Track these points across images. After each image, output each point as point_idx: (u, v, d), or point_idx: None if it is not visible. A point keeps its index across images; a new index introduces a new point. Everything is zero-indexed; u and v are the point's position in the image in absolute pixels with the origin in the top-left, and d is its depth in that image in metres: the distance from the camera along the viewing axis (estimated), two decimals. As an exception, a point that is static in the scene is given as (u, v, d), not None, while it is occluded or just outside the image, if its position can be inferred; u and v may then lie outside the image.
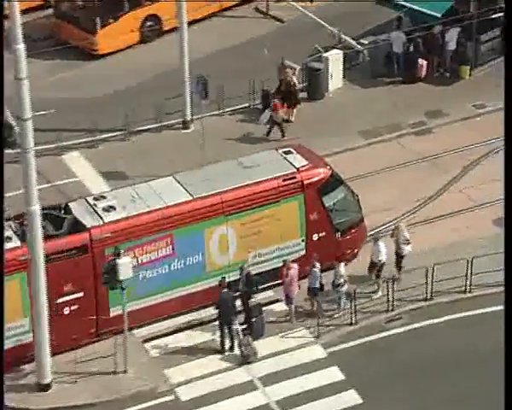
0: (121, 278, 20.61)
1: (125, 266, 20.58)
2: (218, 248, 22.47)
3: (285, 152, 23.80)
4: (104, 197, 22.28)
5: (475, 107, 30.12)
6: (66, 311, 21.31)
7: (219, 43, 33.24)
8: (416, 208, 26.12)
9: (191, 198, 22.31)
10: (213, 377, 21.50)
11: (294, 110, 29.53)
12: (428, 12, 30.94)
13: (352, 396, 21.04)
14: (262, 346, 21.96)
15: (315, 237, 23.30)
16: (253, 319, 22.10)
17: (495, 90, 30.40)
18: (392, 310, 22.91)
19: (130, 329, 21.87)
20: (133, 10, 33.16)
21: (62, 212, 22.12)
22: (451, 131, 29.24)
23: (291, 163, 23.38)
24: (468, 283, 23.27)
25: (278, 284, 22.98)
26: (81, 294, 21.35)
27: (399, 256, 23.32)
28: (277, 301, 23.14)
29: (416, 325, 22.66)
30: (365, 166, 27.01)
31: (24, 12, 20.63)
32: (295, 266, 22.55)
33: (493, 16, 30.77)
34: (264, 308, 22.42)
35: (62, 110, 28.34)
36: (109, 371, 21.47)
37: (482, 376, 21.21)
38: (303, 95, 30.14)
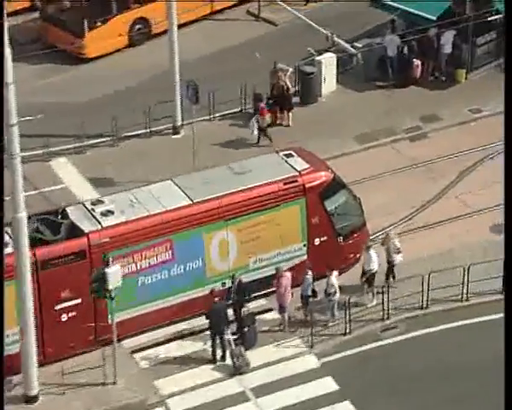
0: (110, 287, 20.61)
1: (115, 274, 20.58)
2: (218, 253, 22.52)
3: (286, 155, 23.85)
4: (102, 202, 22.32)
5: (471, 111, 30.23)
6: (64, 318, 21.30)
7: (210, 46, 33.28)
8: (412, 215, 26.18)
9: (191, 202, 22.36)
10: (205, 388, 21.50)
11: (290, 114, 29.61)
12: (423, 14, 31.04)
13: (346, 408, 21.04)
14: (254, 356, 21.98)
15: (317, 241, 23.36)
16: (246, 329, 22.11)
17: (491, 94, 30.53)
18: (388, 319, 22.95)
19: (131, 336, 21.97)
20: (122, 13, 33.18)
21: (59, 217, 22.15)
22: (447, 135, 29.33)
23: (292, 166, 23.45)
24: (464, 291, 23.33)
25: (272, 292, 22.99)
26: (79, 300, 21.35)
27: (391, 265, 23.34)
28: (270, 310, 23.16)
29: (412, 334, 22.70)
30: (360, 172, 27.06)
31: (9, 15, 20.62)
32: (288, 274, 22.57)
33: (489, 19, 30.89)
34: (256, 317, 22.42)
35: (49, 115, 28.38)
36: (98, 382, 21.44)
37: (480, 386, 21.24)
38: (295, 99, 30.23)
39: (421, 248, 24.82)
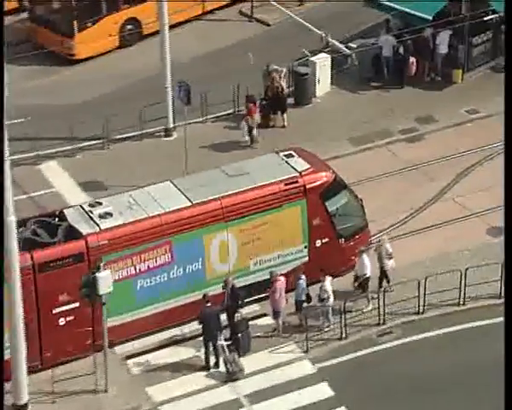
0: (101, 292, 20.59)
1: (105, 279, 20.56)
2: (218, 255, 22.54)
3: (286, 155, 23.87)
4: (100, 204, 22.33)
5: (468, 112, 30.29)
6: (62, 322, 21.27)
7: (202, 47, 33.31)
8: (408, 218, 26.21)
9: (190, 204, 22.38)
10: (198, 396, 21.47)
11: (285, 116, 29.64)
12: (419, 14, 31.09)
13: (342, 414, 21.11)
14: (248, 362, 21.96)
15: (318, 243, 23.37)
16: (239, 335, 22.11)
17: (488, 95, 30.61)
18: (384, 324, 22.96)
19: (130, 340, 21.97)
20: (112, 13, 33.19)
21: (57, 219, 22.16)
22: (443, 137, 29.38)
23: (293, 167, 23.47)
24: (461, 295, 23.37)
25: (266, 297, 23.01)
26: (77, 304, 21.33)
27: (383, 270, 23.32)
28: (264, 315, 23.16)
29: (409, 339, 22.72)
30: (355, 174, 27.07)
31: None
32: (282, 278, 22.58)
33: (485, 18, 30.96)
34: (250, 323, 22.43)
35: (39, 118, 28.33)
36: (89, 390, 21.40)
37: (478, 391, 21.26)
38: (290, 100, 30.24)
39: (418, 251, 24.85)
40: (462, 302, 23.38)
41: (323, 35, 32.13)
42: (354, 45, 31.98)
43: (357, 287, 23.10)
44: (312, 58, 31.13)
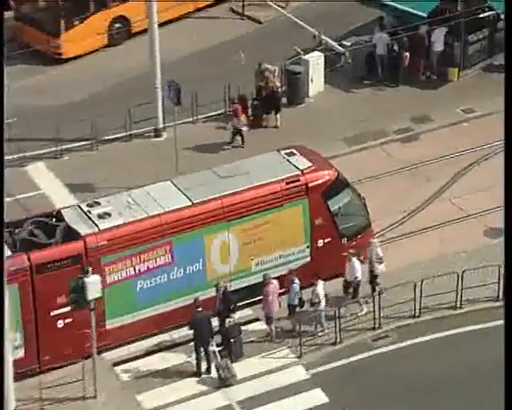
0: (90, 297, 20.57)
1: (94, 284, 20.54)
2: (219, 255, 22.56)
3: (287, 154, 23.90)
4: (98, 203, 22.32)
5: (464, 111, 30.34)
6: (60, 324, 21.25)
7: (192, 45, 33.30)
8: (403, 219, 26.25)
9: (191, 203, 22.39)
10: (189, 402, 21.44)
11: (278, 115, 29.66)
12: (414, 11, 31.13)
13: (336, 420, 21.14)
14: (241, 368, 21.95)
15: (320, 243, 23.39)
16: (232, 340, 22.11)
17: (485, 94, 30.67)
18: (379, 328, 22.98)
19: (129, 342, 22.00)
20: (100, 11, 33.16)
21: (54, 219, 22.14)
22: (439, 136, 29.43)
23: (294, 165, 23.49)
24: (458, 298, 23.40)
25: (259, 301, 23.01)
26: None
27: (373, 275, 23.31)
28: (257, 319, 23.17)
29: (404, 344, 22.74)
30: (349, 175, 26.94)
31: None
32: (275, 282, 22.59)
33: (481, 15, 31.02)
34: (242, 328, 22.43)
35: (25, 118, 28.31)
36: (78, 396, 21.37)
37: (475, 396, 21.27)
38: (282, 100, 30.27)
39: (414, 253, 24.89)
40: (458, 305, 23.42)
41: (316, 33, 32.15)
42: (348, 43, 32.02)
43: (352, 293, 23.05)
44: (305, 56, 31.14)
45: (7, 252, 20.62)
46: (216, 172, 23.46)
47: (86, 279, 20.46)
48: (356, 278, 22.93)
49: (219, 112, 29.99)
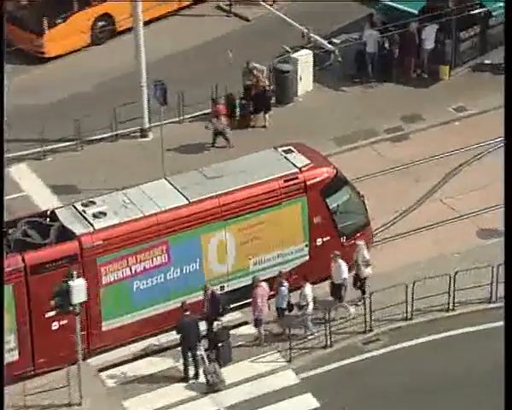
0: (75, 301, 20.53)
1: (79, 288, 20.50)
2: (216, 255, 22.61)
3: (285, 151, 23.95)
4: (93, 203, 22.34)
5: (456, 110, 30.42)
6: (55, 326, 21.22)
7: (179, 44, 33.28)
8: (395, 220, 26.29)
9: (187, 202, 22.41)
10: (177, 408, 21.41)
11: (267, 115, 29.69)
12: (404, 8, 31.19)
13: (327, 425, 21.15)
14: (229, 373, 21.95)
15: (319, 241, 23.44)
16: (220, 344, 22.10)
17: (477, 92, 30.76)
18: (370, 331, 23.01)
19: (126, 344, 21.98)
20: (83, 10, 33.09)
21: (48, 219, 22.15)
22: (430, 136, 29.50)
23: (292, 163, 23.53)
24: (450, 300, 23.45)
25: (248, 305, 23.02)
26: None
27: (359, 279, 23.30)
28: (246, 323, 23.17)
29: (396, 347, 22.77)
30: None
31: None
32: (264, 284, 22.60)
33: (473, 12, 31.11)
34: (231, 332, 22.42)
35: (8, 118, 28.16)
36: (63, 403, 21.32)
37: (470, 399, 21.30)
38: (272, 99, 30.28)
39: (405, 255, 24.93)
40: (451, 308, 23.46)
41: (305, 30, 32.18)
42: (337, 41, 32.05)
43: (339, 295, 23.00)
44: (294, 55, 31.17)
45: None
46: (213, 170, 23.51)
47: (71, 283, 20.42)
48: (344, 279, 22.94)
49: (206, 111, 29.95)
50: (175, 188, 22.80)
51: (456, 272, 23.32)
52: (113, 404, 21.46)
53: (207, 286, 22.34)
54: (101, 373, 22.13)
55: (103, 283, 21.71)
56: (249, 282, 22.78)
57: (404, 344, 22.80)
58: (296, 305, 22.63)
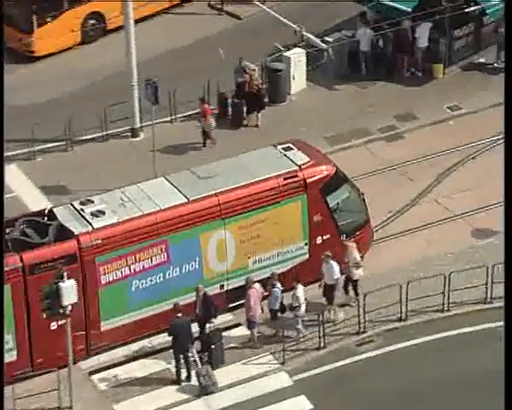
0: (65, 303, 20.45)
1: (69, 289, 20.42)
2: (215, 253, 22.61)
3: (284, 148, 23.95)
4: (91, 201, 22.35)
5: (450, 109, 30.42)
6: (53, 326, 21.16)
7: (170, 42, 33.23)
8: (389, 220, 26.27)
9: (186, 200, 22.41)
10: (169, 411, 21.46)
11: (259, 114, 29.66)
12: (398, 6, 31.18)
13: (321, 428, 21.12)
14: (222, 375, 21.91)
15: (319, 239, 23.46)
16: (212, 346, 22.06)
17: (471, 90, 30.78)
18: (364, 332, 22.99)
19: (126, 344, 21.97)
20: (73, 7, 33.01)
21: (46, 218, 22.13)
22: (424, 135, 29.49)
23: (292, 160, 23.54)
24: (445, 300, 23.44)
25: (241, 305, 22.97)
26: (69, 307, 21.15)
27: (349, 280, 23.27)
28: (238, 324, 23.12)
29: (390, 348, 22.76)
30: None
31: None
32: (257, 286, 22.57)
33: (467, 10, 31.12)
34: (224, 333, 22.38)
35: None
36: (53, 407, 21.24)
37: (465, 403, 21.27)
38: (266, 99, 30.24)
39: (399, 255, 24.92)
40: (446, 308, 23.46)
41: (298, 29, 32.15)
42: (330, 39, 32.02)
43: (330, 296, 22.99)
44: (286, 53, 31.14)
45: None
46: (212, 168, 23.52)
47: (61, 284, 20.34)
48: (336, 279, 22.91)
49: (198, 111, 29.90)
50: (174, 186, 22.83)
51: (450, 273, 23.31)
52: (105, 407, 21.40)
53: (199, 287, 22.29)
54: (93, 376, 22.05)
55: (102, 282, 21.75)
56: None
57: (399, 346, 22.78)
58: (288, 306, 22.58)
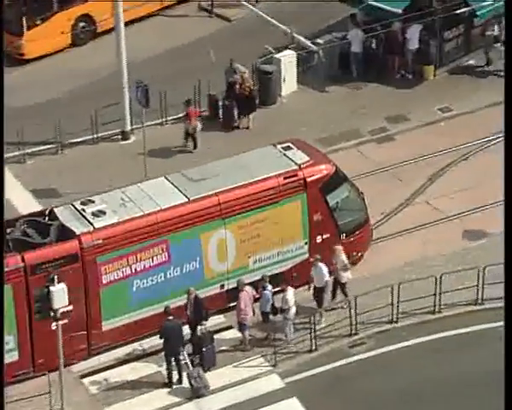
0: (56, 306, 20.42)
1: (60, 293, 20.40)
2: (216, 253, 22.68)
3: (284, 148, 24.04)
4: (92, 201, 22.43)
5: (441, 110, 30.48)
6: (55, 326, 21.04)
7: (160, 44, 33.23)
8: (380, 222, 26.30)
9: (187, 200, 22.47)
10: (160, 414, 21.44)
11: (251, 116, 29.68)
12: (388, 8, 31.24)
13: (313, 430, 21.13)
14: (214, 377, 21.89)
15: (319, 239, 23.53)
16: (204, 349, 22.06)
17: (462, 92, 30.84)
18: (356, 334, 23.01)
19: (125, 343, 21.98)
20: (64, 10, 33.01)
21: (47, 218, 22.18)
22: (415, 137, 29.53)
23: (291, 160, 23.60)
24: (436, 302, 23.48)
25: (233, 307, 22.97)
26: (70, 307, 21.17)
27: (338, 283, 23.29)
28: (230, 327, 23.12)
29: (382, 350, 22.77)
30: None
31: None
32: (248, 288, 22.58)
33: (458, 11, 31.20)
34: (215, 336, 22.38)
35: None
36: (44, 410, 21.29)
37: (458, 405, 21.28)
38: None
39: (391, 256, 24.94)
40: (437, 310, 23.49)
41: (288, 30, 32.18)
42: (321, 41, 32.07)
43: (319, 298, 22.99)
44: (277, 55, 31.16)
45: None
46: (211, 168, 23.58)
47: (52, 288, 20.31)
48: (326, 282, 22.94)
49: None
50: (174, 186, 22.90)
51: (442, 275, 23.35)
52: (96, 411, 21.40)
53: (190, 290, 22.30)
54: (84, 380, 22.03)
55: (103, 282, 21.81)
56: (249, 280, 22.81)
57: (390, 347, 22.80)
58: (280, 309, 22.60)
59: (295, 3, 34.33)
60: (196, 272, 22.56)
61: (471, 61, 32.22)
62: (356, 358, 22.55)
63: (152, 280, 22.21)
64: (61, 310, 20.50)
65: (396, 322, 23.25)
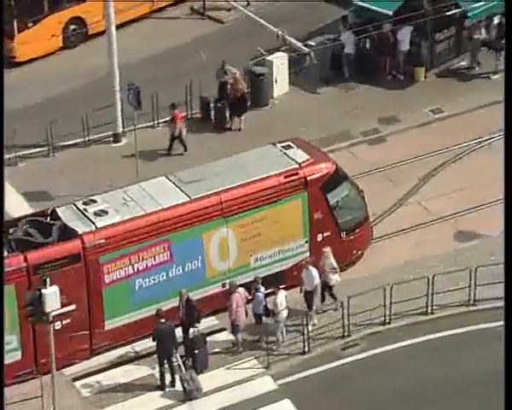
0: (48, 309, 20.30)
1: (52, 296, 20.27)
2: (218, 252, 22.69)
3: (284, 147, 24.08)
4: (94, 201, 22.44)
5: (432, 111, 30.48)
6: (57, 326, 21.08)
7: (152, 47, 33.17)
8: (373, 223, 26.25)
9: (189, 199, 22.48)
10: (153, 417, 21.37)
11: (242, 118, 29.63)
12: (379, 10, 31.23)
13: (306, 432, 21.08)
14: (206, 380, 21.83)
15: (319, 237, 23.58)
16: (196, 351, 21.99)
17: (453, 93, 30.86)
18: (348, 336, 22.96)
19: (126, 343, 21.98)
20: (55, 12, 32.94)
21: (49, 218, 22.18)
22: (407, 138, 29.53)
23: (292, 158, 23.63)
24: (429, 303, 23.46)
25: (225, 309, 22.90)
26: (73, 306, 21.30)
27: (326, 286, 23.25)
28: (222, 329, 23.07)
29: (375, 351, 22.73)
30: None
31: None
32: (241, 290, 22.53)
33: (449, 13, 31.20)
34: (208, 338, 22.32)
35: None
36: (36, 414, 21.18)
37: (458, 405, 21.20)
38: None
39: (383, 258, 24.92)
40: (430, 311, 23.46)
41: (280, 32, 32.16)
42: (313, 43, 32.06)
43: (310, 301, 22.95)
44: (269, 57, 31.14)
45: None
46: (212, 167, 23.60)
47: (44, 291, 20.19)
48: (316, 286, 22.91)
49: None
50: (176, 185, 22.91)
51: (434, 275, 23.31)
52: (88, 414, 21.32)
53: (183, 292, 22.23)
54: (76, 383, 21.94)
55: (106, 281, 21.81)
56: (250, 278, 22.84)
57: (383, 349, 22.76)
58: (271, 311, 22.56)
59: (287, 6, 34.31)
60: (198, 271, 22.60)
61: (462, 63, 32.24)
62: (349, 359, 22.50)
63: (154, 279, 22.22)
64: (54, 313, 20.46)
65: (389, 323, 23.20)
